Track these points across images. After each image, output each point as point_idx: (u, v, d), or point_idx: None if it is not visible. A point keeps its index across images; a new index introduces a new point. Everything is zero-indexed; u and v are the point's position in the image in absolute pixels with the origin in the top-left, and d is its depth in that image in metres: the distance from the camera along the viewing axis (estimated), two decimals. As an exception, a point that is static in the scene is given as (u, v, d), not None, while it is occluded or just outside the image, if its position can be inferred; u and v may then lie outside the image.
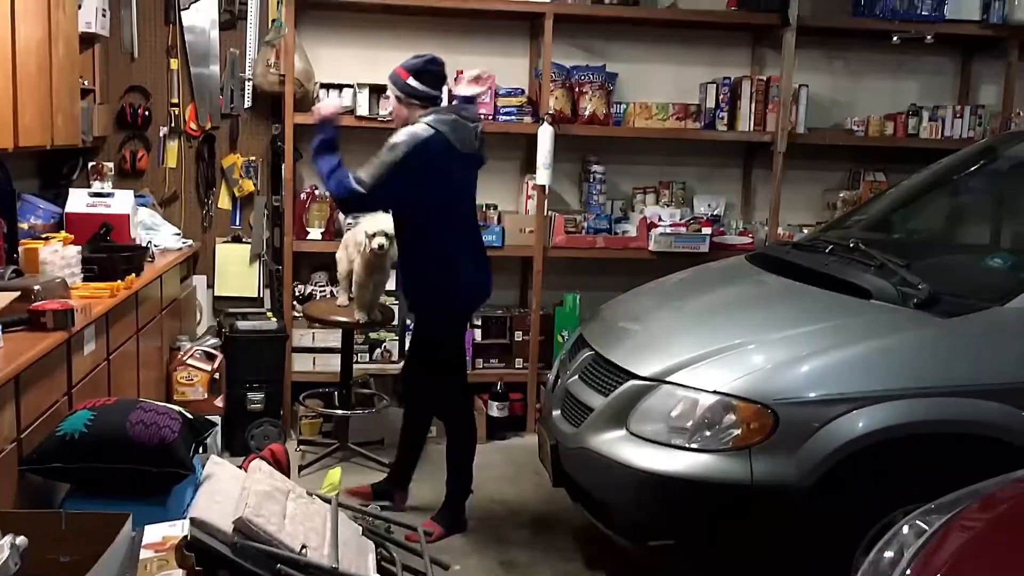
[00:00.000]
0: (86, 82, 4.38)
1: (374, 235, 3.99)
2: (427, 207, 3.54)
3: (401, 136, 3.48)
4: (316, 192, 4.86)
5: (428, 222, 3.58)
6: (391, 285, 4.62)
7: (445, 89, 3.83)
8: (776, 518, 2.75)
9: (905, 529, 1.93)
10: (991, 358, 2.80)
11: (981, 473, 2.16)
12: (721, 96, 5.11)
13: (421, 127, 3.49)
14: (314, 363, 4.85)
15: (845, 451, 2.70)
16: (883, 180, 5.44)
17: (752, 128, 5.12)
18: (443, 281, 3.63)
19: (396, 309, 4.77)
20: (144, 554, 2.32)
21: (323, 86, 4.70)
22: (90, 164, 4.65)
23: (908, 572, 1.75)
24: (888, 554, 1.87)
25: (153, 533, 2.42)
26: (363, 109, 4.71)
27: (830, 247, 3.52)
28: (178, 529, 2.44)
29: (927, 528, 1.89)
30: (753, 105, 5.10)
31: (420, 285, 3.71)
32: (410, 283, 3.77)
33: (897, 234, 4.04)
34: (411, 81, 3.62)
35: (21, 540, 1.65)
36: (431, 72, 3.64)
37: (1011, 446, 2.68)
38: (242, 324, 4.65)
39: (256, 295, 5.06)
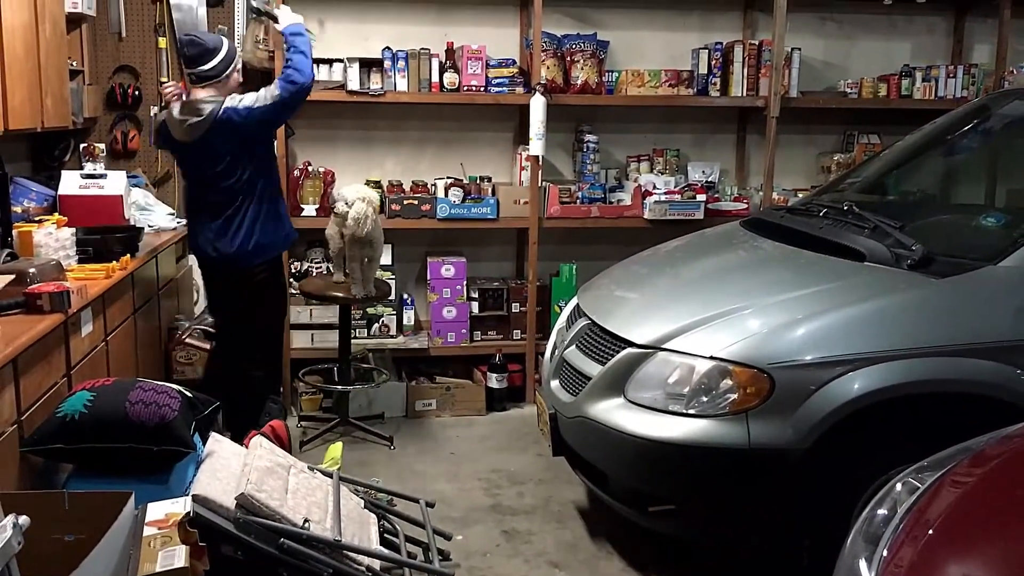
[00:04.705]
0: (74, 63, 4.36)
1: (353, 202, 4.14)
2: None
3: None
4: (309, 168, 4.85)
5: None
6: (386, 259, 4.64)
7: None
8: (774, 481, 2.78)
9: (898, 486, 1.95)
10: (985, 317, 2.81)
11: (976, 431, 2.17)
12: (713, 61, 5.08)
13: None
14: (312, 339, 4.86)
15: (842, 413, 2.71)
16: (877, 142, 5.43)
17: (745, 93, 5.10)
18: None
19: (393, 284, 4.78)
20: (147, 531, 2.34)
21: (313, 61, 4.66)
22: (82, 146, 4.65)
23: (901, 528, 1.77)
24: (882, 511, 1.89)
25: (156, 511, 2.43)
26: (354, 84, 4.68)
27: (824, 210, 3.53)
28: (181, 506, 2.45)
29: (920, 485, 1.91)
30: (745, 70, 5.07)
31: None
32: None
33: (891, 196, 4.04)
34: None
35: (23, 519, 1.66)
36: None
37: (1005, 404, 2.70)
38: (239, 302, 4.64)
39: (252, 273, 5.05)
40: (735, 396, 2.79)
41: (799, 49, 5.15)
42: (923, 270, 2.91)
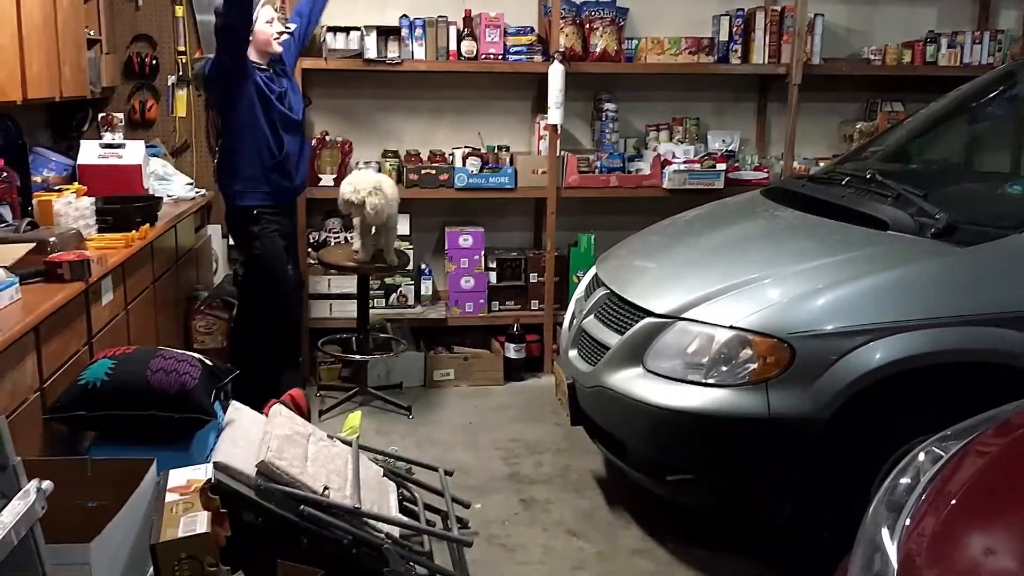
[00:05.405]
0: (92, 32, 4.35)
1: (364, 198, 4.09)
2: None
3: None
4: (327, 138, 4.84)
5: None
6: (403, 229, 4.61)
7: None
8: (793, 451, 2.77)
9: (921, 456, 1.94)
10: (1009, 286, 2.77)
11: (1000, 401, 2.15)
12: (734, 28, 5.01)
13: None
14: (331, 309, 4.87)
15: (863, 383, 2.69)
16: (900, 110, 5.35)
17: (766, 60, 5.03)
18: None
19: (411, 254, 4.77)
20: (169, 497, 2.36)
21: (330, 29, 4.64)
22: (100, 115, 4.65)
23: (924, 497, 1.76)
24: (904, 480, 1.88)
25: (177, 477, 2.46)
26: (371, 52, 4.64)
27: (846, 179, 3.48)
28: (202, 473, 2.48)
29: (943, 454, 1.90)
30: (767, 36, 5.00)
31: None
32: None
33: (914, 164, 3.99)
34: None
35: (47, 484, 1.68)
36: None
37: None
38: (258, 272, 4.65)
39: (271, 243, 5.06)
40: (755, 366, 2.77)
41: (822, 15, 5.07)
42: (947, 239, 2.87)
